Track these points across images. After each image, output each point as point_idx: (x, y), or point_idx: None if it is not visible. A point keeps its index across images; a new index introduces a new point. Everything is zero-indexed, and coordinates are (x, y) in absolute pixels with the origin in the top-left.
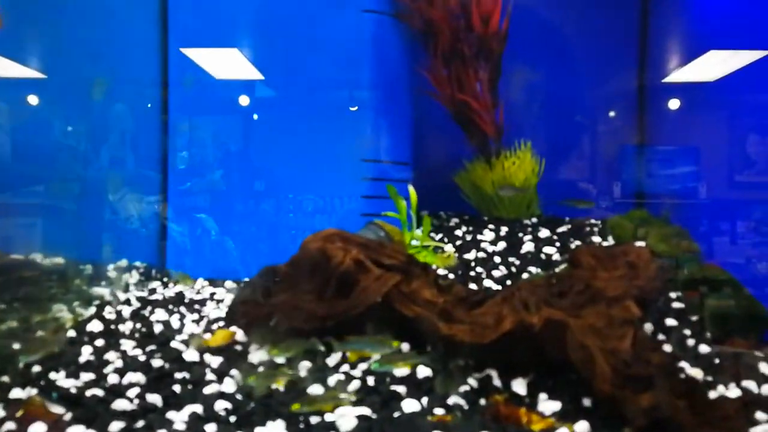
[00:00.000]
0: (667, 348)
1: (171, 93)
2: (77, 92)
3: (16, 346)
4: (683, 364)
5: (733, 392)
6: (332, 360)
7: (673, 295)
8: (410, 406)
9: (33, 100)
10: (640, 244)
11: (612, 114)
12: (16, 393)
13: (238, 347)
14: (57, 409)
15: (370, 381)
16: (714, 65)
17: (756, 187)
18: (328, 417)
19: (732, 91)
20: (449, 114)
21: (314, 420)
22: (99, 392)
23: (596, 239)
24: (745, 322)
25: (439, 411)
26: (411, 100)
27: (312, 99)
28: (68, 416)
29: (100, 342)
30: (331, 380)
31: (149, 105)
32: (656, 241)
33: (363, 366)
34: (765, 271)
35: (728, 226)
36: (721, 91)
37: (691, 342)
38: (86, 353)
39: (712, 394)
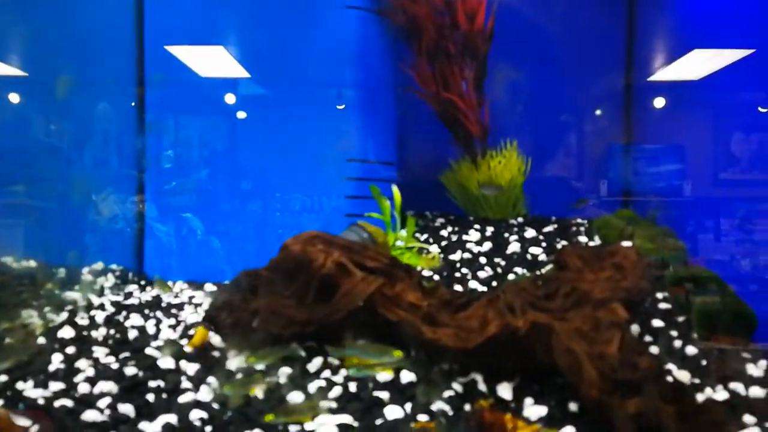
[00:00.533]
0: (655, 350)
1: (148, 91)
2: (54, 91)
3: None
4: (671, 366)
5: (720, 394)
6: (313, 366)
7: (659, 295)
8: (393, 412)
9: (12, 98)
10: (627, 244)
11: (598, 113)
12: None
13: (216, 353)
14: (23, 421)
15: (352, 387)
16: (699, 64)
17: (740, 184)
18: (308, 426)
19: (716, 90)
20: (434, 113)
21: (293, 429)
22: (68, 403)
23: (583, 239)
24: (731, 321)
25: (422, 417)
26: (395, 98)
27: (296, 97)
28: (35, 429)
29: (71, 349)
30: (312, 387)
31: (133, 104)
32: (643, 241)
33: (345, 372)
34: (749, 268)
35: (713, 223)
36: (706, 90)
37: (678, 343)
38: (56, 361)
39: (700, 397)
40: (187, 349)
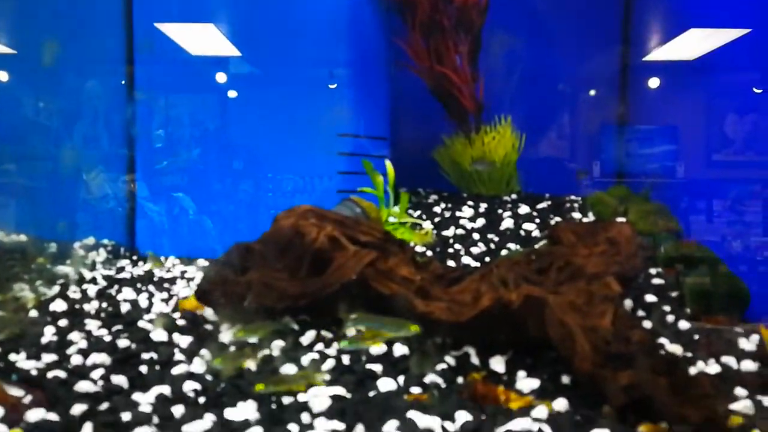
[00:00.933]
0: (647, 325)
1: (138, 69)
2: (46, 69)
3: None
4: (663, 340)
5: (712, 368)
6: (306, 339)
7: (653, 271)
8: (386, 385)
9: (1, 76)
10: (621, 220)
11: (593, 92)
12: None
13: (208, 326)
14: (16, 391)
15: (346, 360)
16: (695, 43)
17: (733, 166)
18: (301, 397)
19: (712, 70)
20: (428, 88)
21: (287, 400)
22: (61, 374)
23: (576, 216)
24: (724, 299)
25: (415, 390)
26: (389, 73)
27: (288, 75)
28: (28, 399)
29: (63, 322)
30: (305, 360)
31: (123, 82)
32: (637, 217)
33: (338, 345)
34: (741, 248)
35: (706, 204)
36: (701, 70)
37: (670, 318)
38: (48, 334)
39: (692, 371)
40: (176, 315)
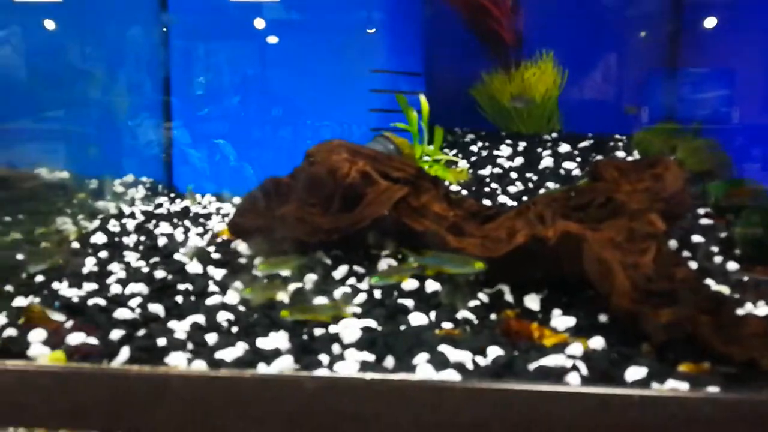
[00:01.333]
0: (693, 265)
1: (176, 17)
2: (90, 16)
3: (20, 257)
4: (709, 281)
5: (762, 310)
6: (338, 273)
7: (701, 211)
8: (417, 319)
9: (48, 24)
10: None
11: (643, 34)
12: (19, 302)
13: (242, 260)
14: (58, 316)
15: (377, 294)
16: None
17: None
18: (333, 329)
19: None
20: (465, 21)
21: (318, 332)
22: (101, 301)
23: (620, 155)
24: None
25: (447, 325)
26: (422, 5)
27: (325, 18)
28: (69, 323)
29: (103, 254)
30: (337, 293)
31: (164, 29)
32: (685, 155)
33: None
34: None
35: (762, 152)
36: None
37: (718, 259)
38: (89, 264)
39: (739, 312)
40: (212, 248)
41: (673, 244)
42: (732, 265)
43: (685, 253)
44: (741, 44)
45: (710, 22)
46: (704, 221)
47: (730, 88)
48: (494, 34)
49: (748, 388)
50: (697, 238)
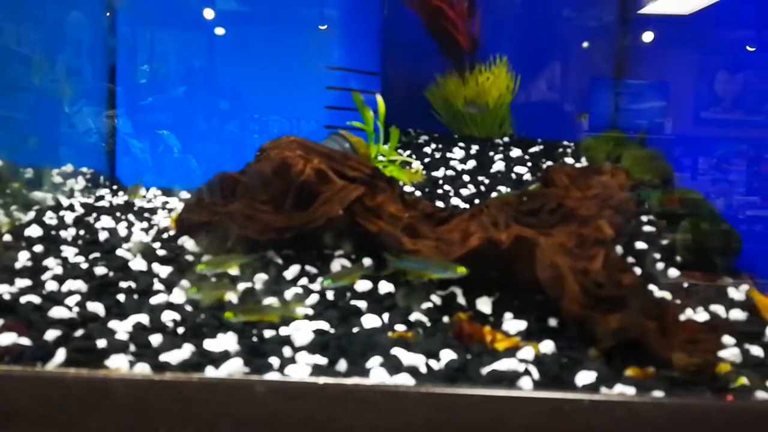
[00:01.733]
0: (637, 271)
1: (120, 1)
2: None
3: None
4: (652, 287)
5: (701, 316)
6: (290, 273)
7: (644, 218)
8: (370, 321)
9: None
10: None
11: (585, 45)
12: None
13: (189, 257)
14: None
15: (330, 296)
16: None
17: (721, 124)
18: (283, 331)
19: (706, 26)
20: (422, 23)
21: (268, 334)
22: (35, 299)
23: (569, 161)
24: (718, 241)
25: (400, 327)
26: (380, 6)
27: (277, 11)
28: None
29: (38, 248)
30: (288, 294)
31: (107, 14)
32: (631, 163)
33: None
34: (723, 207)
35: (692, 162)
36: (695, 26)
37: (660, 265)
38: (23, 259)
39: (681, 318)
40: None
41: (618, 250)
42: (673, 272)
43: (630, 259)
44: (684, 57)
45: (650, 36)
46: (647, 228)
47: (671, 99)
48: (450, 37)
49: (691, 393)
50: (641, 245)
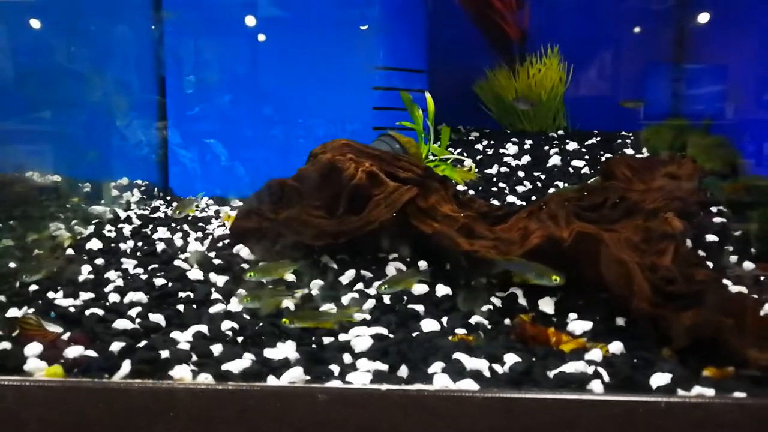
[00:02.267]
0: (709, 264)
1: (166, 14)
2: (77, 15)
3: (12, 265)
4: (726, 281)
5: None
6: (345, 278)
7: (714, 209)
8: (429, 325)
9: (33, 23)
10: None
11: (642, 28)
12: (13, 312)
13: (245, 265)
14: (54, 328)
15: (387, 300)
16: None
17: None
18: (343, 337)
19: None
20: (468, 16)
21: (327, 340)
22: (99, 311)
23: (629, 152)
24: None
25: (460, 331)
26: (424, 1)
27: (319, 14)
28: (66, 336)
29: (99, 261)
30: (345, 299)
31: (153, 27)
32: (696, 152)
33: (378, 285)
34: None
35: (760, 147)
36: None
37: (734, 258)
38: (85, 272)
39: (760, 313)
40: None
41: (688, 243)
42: (748, 264)
43: (701, 253)
44: (747, 39)
45: (710, 17)
46: (717, 219)
47: (736, 82)
48: (498, 29)
49: None
50: (711, 237)
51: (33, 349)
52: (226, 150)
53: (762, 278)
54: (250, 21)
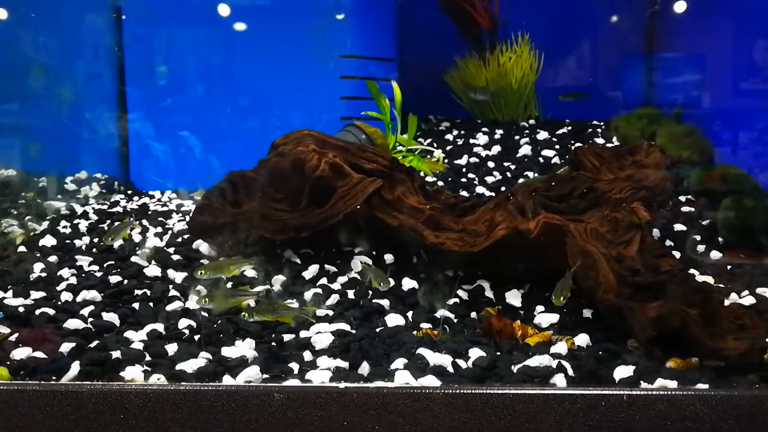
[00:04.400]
0: (676, 255)
1: (136, 4)
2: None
3: None
4: (693, 272)
5: (747, 300)
6: (308, 273)
7: (682, 198)
8: (393, 320)
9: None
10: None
11: (615, 17)
12: None
13: (205, 261)
14: (2, 329)
15: (351, 295)
16: None
17: (762, 95)
18: (304, 334)
19: None
20: (438, 4)
21: (287, 337)
22: (50, 311)
23: (599, 141)
24: (764, 224)
25: (425, 325)
26: None
27: (292, 4)
28: (14, 337)
29: (53, 258)
30: (307, 295)
31: (123, 17)
32: (666, 140)
33: (342, 279)
34: (766, 181)
35: (732, 136)
36: None
37: (701, 248)
38: (37, 270)
39: (725, 303)
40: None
41: (655, 233)
42: (715, 254)
43: (668, 243)
44: (719, 27)
45: (683, 6)
46: (686, 208)
47: (707, 71)
48: (468, 17)
49: (738, 383)
50: (679, 227)
51: None
52: (199, 142)
53: (729, 267)
54: (223, 9)
